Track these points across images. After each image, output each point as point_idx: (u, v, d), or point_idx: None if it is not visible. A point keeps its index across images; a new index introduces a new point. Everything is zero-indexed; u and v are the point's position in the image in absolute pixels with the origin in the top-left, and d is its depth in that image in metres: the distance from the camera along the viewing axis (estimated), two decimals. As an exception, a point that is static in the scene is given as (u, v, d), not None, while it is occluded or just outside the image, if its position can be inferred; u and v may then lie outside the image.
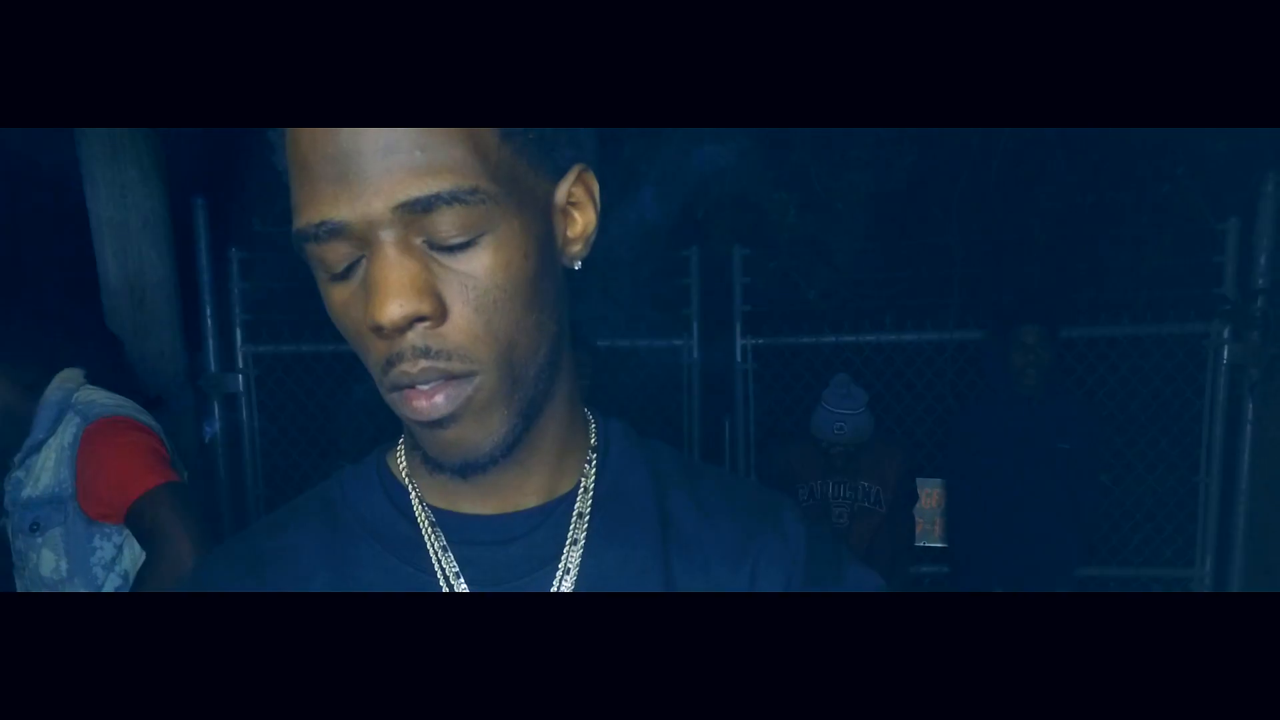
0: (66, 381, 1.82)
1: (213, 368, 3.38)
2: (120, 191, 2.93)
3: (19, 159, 3.42)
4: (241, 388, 3.42)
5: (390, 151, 0.49)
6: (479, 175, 0.50)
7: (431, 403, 0.54)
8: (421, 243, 0.51)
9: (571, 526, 0.64)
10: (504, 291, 0.53)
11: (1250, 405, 2.99)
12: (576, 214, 0.60)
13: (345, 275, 0.53)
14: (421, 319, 0.51)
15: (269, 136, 0.55)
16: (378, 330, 0.51)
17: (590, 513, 0.65)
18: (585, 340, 2.97)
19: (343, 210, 0.50)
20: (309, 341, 3.38)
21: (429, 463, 0.60)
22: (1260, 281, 2.91)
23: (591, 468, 0.67)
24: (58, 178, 3.07)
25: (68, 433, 1.76)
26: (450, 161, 0.50)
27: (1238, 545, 3.07)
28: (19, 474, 1.78)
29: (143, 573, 1.67)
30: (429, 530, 0.64)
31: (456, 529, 0.64)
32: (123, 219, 2.94)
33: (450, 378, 0.54)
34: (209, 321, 3.35)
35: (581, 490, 0.66)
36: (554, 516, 0.64)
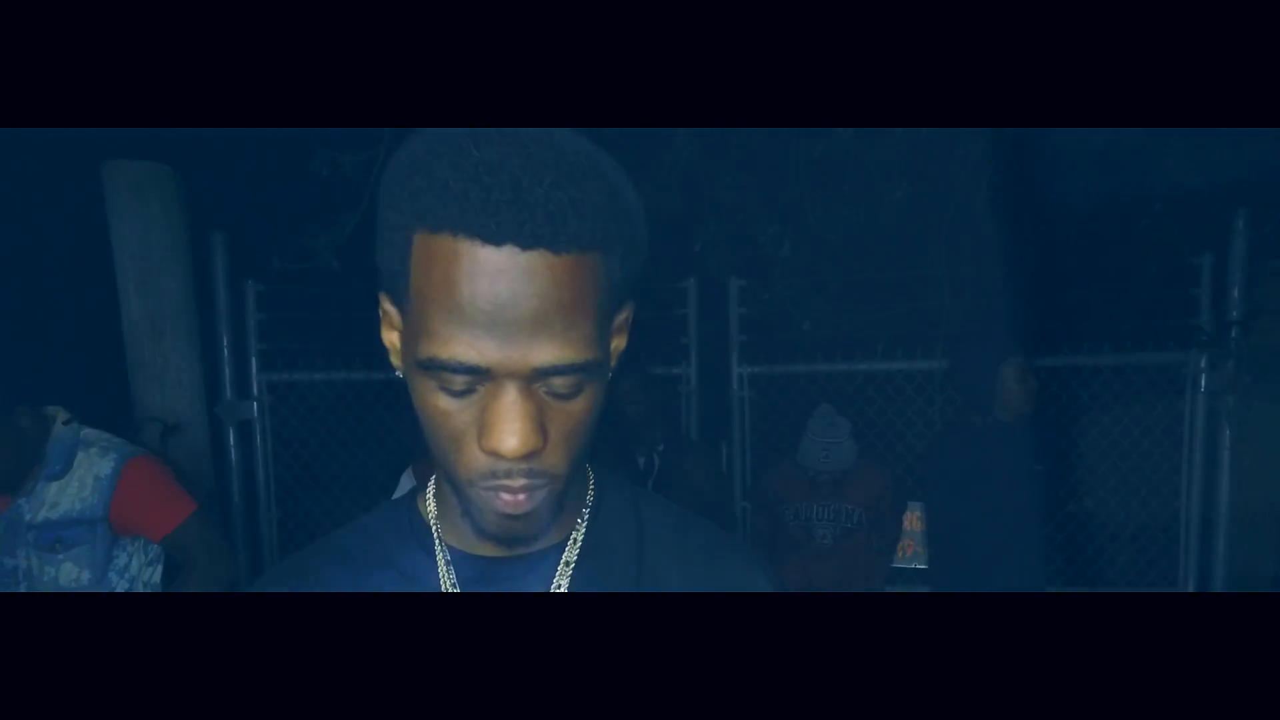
0: (64, 420, 2.03)
1: (229, 395, 3.50)
2: (143, 226, 3.01)
3: (45, 194, 3.54)
4: (256, 414, 3.54)
5: (543, 322, 0.57)
6: (595, 347, 0.60)
7: (517, 501, 0.63)
8: (539, 387, 0.60)
9: (558, 573, 0.73)
10: (584, 425, 0.64)
11: (1227, 431, 3.07)
12: (617, 338, 0.69)
13: (461, 394, 0.60)
14: (533, 453, 0.61)
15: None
16: (493, 454, 0.60)
17: (576, 561, 0.74)
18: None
19: (485, 358, 0.57)
20: (321, 369, 3.51)
21: (475, 529, 0.68)
22: (1234, 313, 3.00)
23: (583, 523, 0.76)
24: (82, 213, 3.17)
25: (103, 465, 1.97)
26: (582, 337, 0.59)
27: (1218, 566, 3.13)
28: (21, 500, 1.95)
29: (191, 582, 2.00)
30: (444, 568, 0.75)
31: (468, 568, 0.74)
32: (144, 253, 3.03)
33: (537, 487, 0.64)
34: (225, 351, 3.44)
35: (571, 541, 0.75)
36: (546, 563, 0.74)
